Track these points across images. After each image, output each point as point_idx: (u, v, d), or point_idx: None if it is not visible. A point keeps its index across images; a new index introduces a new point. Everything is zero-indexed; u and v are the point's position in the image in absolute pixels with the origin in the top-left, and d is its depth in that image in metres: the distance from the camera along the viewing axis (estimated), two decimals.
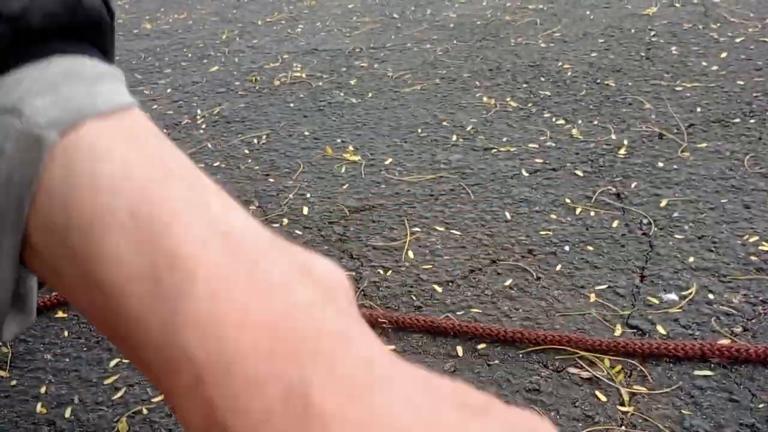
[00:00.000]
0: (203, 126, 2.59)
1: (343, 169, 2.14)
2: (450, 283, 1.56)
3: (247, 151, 2.33)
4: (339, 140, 2.36)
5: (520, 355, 1.34)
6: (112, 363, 1.38)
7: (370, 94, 2.75)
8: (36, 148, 0.33)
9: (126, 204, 0.33)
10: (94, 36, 0.41)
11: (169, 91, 3.02)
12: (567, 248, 1.66)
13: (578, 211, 1.81)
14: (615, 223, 1.74)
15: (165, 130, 2.54)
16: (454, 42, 3.30)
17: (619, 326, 1.40)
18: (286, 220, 1.88)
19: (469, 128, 2.35)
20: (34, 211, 0.34)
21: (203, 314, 0.30)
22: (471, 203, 1.89)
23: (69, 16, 0.38)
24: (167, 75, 3.24)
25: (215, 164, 2.25)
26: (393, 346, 1.38)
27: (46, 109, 0.34)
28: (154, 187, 0.34)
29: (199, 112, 2.73)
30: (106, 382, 1.34)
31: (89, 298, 0.33)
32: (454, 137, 2.29)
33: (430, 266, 1.62)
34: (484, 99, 2.57)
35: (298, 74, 3.06)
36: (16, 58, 0.36)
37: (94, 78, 0.37)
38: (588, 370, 1.30)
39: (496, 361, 1.33)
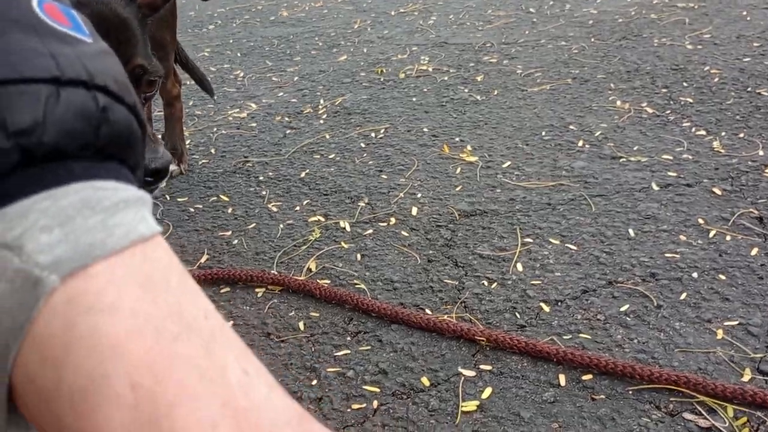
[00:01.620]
0: (324, 116, 2.58)
1: (458, 170, 2.06)
2: (559, 303, 1.44)
3: (363, 145, 2.29)
4: (457, 139, 2.27)
5: (630, 392, 1.22)
6: None
7: (495, 92, 2.64)
8: (32, 291, 0.28)
9: (127, 372, 0.27)
10: (121, 152, 0.34)
11: (296, 79, 3.04)
12: (695, 275, 1.50)
13: (712, 234, 1.63)
14: (754, 251, 1.56)
15: (287, 118, 2.55)
16: (592, 40, 3.11)
17: (748, 370, 1.24)
18: (393, 220, 1.82)
19: (597, 134, 2.19)
20: (19, 365, 0.28)
21: None
22: (591, 216, 1.75)
23: (92, 133, 0.31)
24: (296, 63, 3.27)
25: (330, 156, 2.23)
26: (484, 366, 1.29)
27: (52, 246, 0.28)
28: (163, 351, 0.28)
29: (321, 101, 2.72)
30: None
31: None
32: (580, 143, 2.15)
33: (539, 282, 1.51)
34: (618, 103, 2.40)
35: (425, 67, 2.99)
36: (25, 181, 0.29)
37: (114, 206, 0.31)
38: (707, 418, 1.15)
39: (602, 396, 1.22)
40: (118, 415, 0.26)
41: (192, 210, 1.97)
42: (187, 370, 0.28)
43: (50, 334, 0.28)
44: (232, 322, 1.47)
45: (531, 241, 1.67)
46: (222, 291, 1.58)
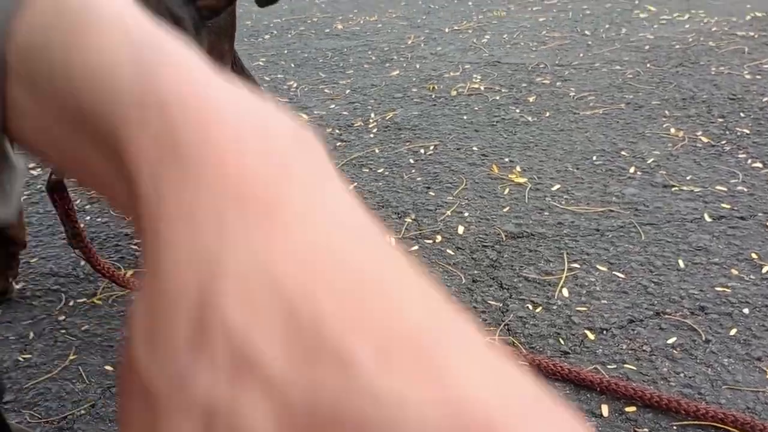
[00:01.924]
0: (374, 130, 2.60)
1: (507, 191, 2.05)
2: (604, 332, 1.43)
3: (412, 161, 2.30)
4: (507, 159, 2.26)
5: (675, 428, 1.19)
6: None
7: (547, 114, 2.62)
8: None
9: None
10: None
11: (348, 92, 3.07)
12: (746, 311, 1.46)
13: (765, 269, 1.60)
14: None
15: (337, 131, 2.58)
16: (647, 65, 3.08)
17: None
18: (439, 237, 1.82)
19: (650, 161, 2.16)
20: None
21: (183, 71, 0.26)
22: (641, 244, 1.73)
23: None
24: (349, 76, 3.30)
25: (379, 170, 2.24)
26: None
27: None
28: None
29: (372, 116, 2.75)
30: None
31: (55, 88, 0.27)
32: (632, 169, 2.12)
33: (585, 309, 1.50)
34: (672, 130, 2.37)
35: (476, 86, 3.00)
36: None
37: None
38: None
39: (646, 429, 1.20)
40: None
41: None
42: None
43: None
44: None
45: (578, 266, 1.65)
46: None
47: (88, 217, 2.04)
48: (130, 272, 1.76)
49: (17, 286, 1.69)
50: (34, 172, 2.38)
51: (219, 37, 2.07)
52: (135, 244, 1.88)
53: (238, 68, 2.28)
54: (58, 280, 1.74)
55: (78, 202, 2.13)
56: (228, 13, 2.09)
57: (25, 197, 2.17)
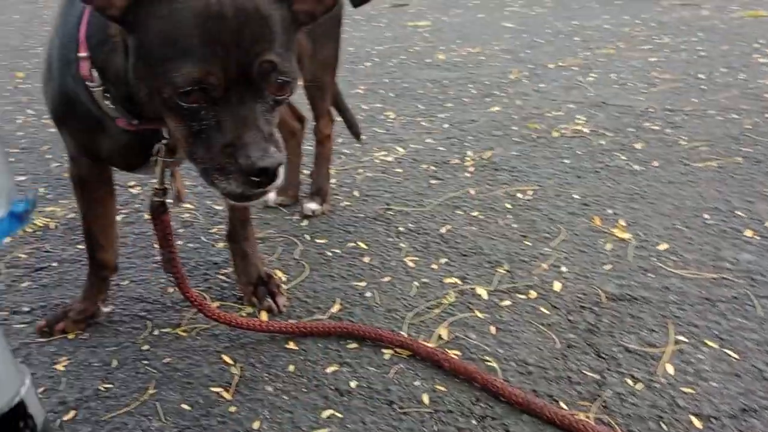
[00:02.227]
0: (470, 169, 2.52)
1: (609, 246, 1.93)
2: (713, 420, 1.30)
3: (509, 205, 2.21)
4: (610, 211, 2.14)
5: None
6: (325, 414, 1.34)
7: (655, 163, 2.48)
8: None
9: None
10: None
11: (446, 126, 3.01)
12: None
13: None
14: None
15: (433, 167, 2.51)
16: (766, 116, 2.88)
17: None
18: (533, 293, 1.72)
19: None
20: None
21: None
22: (757, 320, 1.58)
23: None
24: (448, 109, 3.24)
25: (473, 213, 2.16)
26: None
27: None
28: None
29: (469, 153, 2.67)
30: None
31: None
32: (748, 232, 1.96)
33: (692, 391, 1.37)
34: None
35: (580, 128, 2.88)
36: None
37: None
38: None
39: None
40: None
41: (329, 254, 1.96)
42: None
43: None
44: (356, 382, 1.42)
45: (685, 340, 1.52)
46: (349, 346, 1.54)
47: (180, 242, 2.05)
48: (216, 304, 1.74)
49: (106, 309, 1.70)
50: (133, 191, 2.43)
51: (321, 69, 2.05)
52: (223, 275, 1.87)
53: (336, 100, 2.26)
54: (145, 306, 1.74)
55: (171, 223, 2.14)
56: (332, 46, 2.07)
57: (122, 216, 2.21)
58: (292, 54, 1.16)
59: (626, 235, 1.98)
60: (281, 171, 1.12)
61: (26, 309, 1.75)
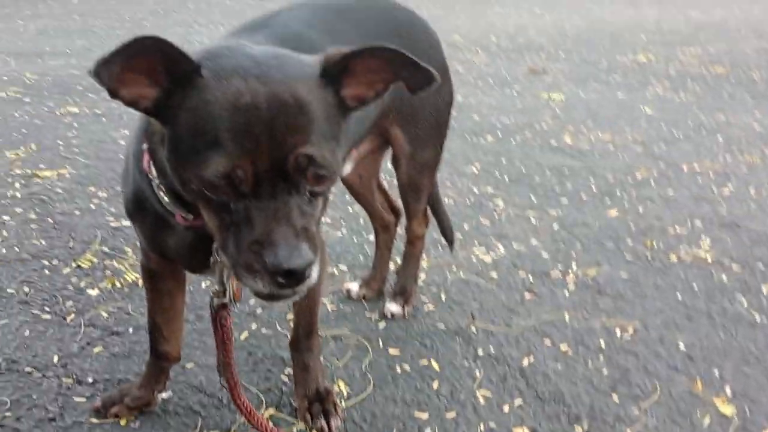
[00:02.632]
0: (570, 287, 2.35)
1: (707, 421, 1.72)
2: None
3: (603, 343, 2.03)
4: (717, 372, 1.91)
5: None
6: None
7: None
8: None
9: None
10: None
11: (555, 226, 2.85)
12: None
13: None
14: None
15: (530, 277, 2.36)
16: None
17: None
18: None
19: None
20: None
21: None
22: None
23: None
24: (561, 205, 3.07)
25: (562, 347, 1.99)
26: None
27: None
28: None
29: (573, 266, 2.50)
30: None
31: None
32: None
33: None
34: None
35: (703, 255, 2.63)
36: None
37: None
38: None
39: None
40: None
41: (398, 370, 1.86)
42: None
43: None
44: None
45: None
46: None
47: (254, 326, 2.02)
48: (270, 410, 1.68)
49: (163, 395, 1.68)
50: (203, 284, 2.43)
51: (419, 171, 1.95)
52: (287, 375, 1.81)
53: (433, 203, 2.16)
54: (201, 399, 1.71)
55: (251, 302, 2.12)
56: (434, 148, 1.95)
57: (205, 284, 2.21)
58: (335, 144, 1.07)
59: (729, 410, 1.76)
60: (314, 271, 1.04)
61: (90, 380, 1.75)
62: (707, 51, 7.15)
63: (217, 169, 1.00)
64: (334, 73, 1.08)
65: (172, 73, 1.02)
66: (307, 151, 1.02)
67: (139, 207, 1.36)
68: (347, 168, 1.87)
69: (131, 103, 1.04)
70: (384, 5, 1.81)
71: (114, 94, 1.02)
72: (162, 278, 1.57)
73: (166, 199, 1.24)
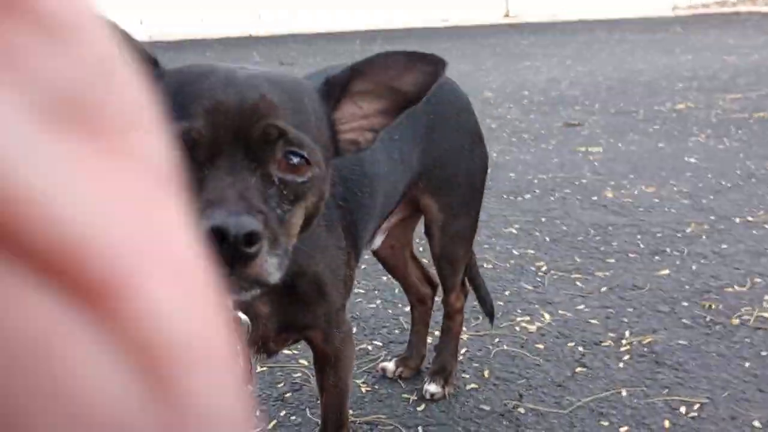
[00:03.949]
0: (625, 357, 2.15)
1: None
2: None
3: (666, 424, 1.82)
4: None
5: None
6: None
7: None
8: None
9: None
10: None
11: (603, 290, 2.66)
12: None
13: None
14: None
15: (580, 348, 2.17)
16: None
17: None
18: None
19: None
20: None
21: None
22: None
23: None
24: (608, 266, 2.89)
25: (621, 429, 1.80)
26: None
27: None
28: None
29: (627, 334, 2.30)
30: None
31: None
32: None
33: None
34: None
35: None
36: None
37: None
38: None
39: None
40: None
41: None
42: None
43: None
44: None
45: None
46: None
47: (282, 412, 1.86)
48: None
49: None
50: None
51: (453, 242, 1.81)
52: None
53: (471, 274, 2.01)
54: None
55: (280, 385, 1.97)
56: (469, 218, 1.81)
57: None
58: (318, 146, 0.96)
59: None
60: (263, 250, 0.86)
61: None
62: (748, 97, 6.94)
63: (174, 130, 0.88)
64: (331, 93, 1.03)
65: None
66: (278, 123, 0.91)
67: None
68: (377, 241, 1.74)
69: None
70: None
71: None
72: None
73: None
